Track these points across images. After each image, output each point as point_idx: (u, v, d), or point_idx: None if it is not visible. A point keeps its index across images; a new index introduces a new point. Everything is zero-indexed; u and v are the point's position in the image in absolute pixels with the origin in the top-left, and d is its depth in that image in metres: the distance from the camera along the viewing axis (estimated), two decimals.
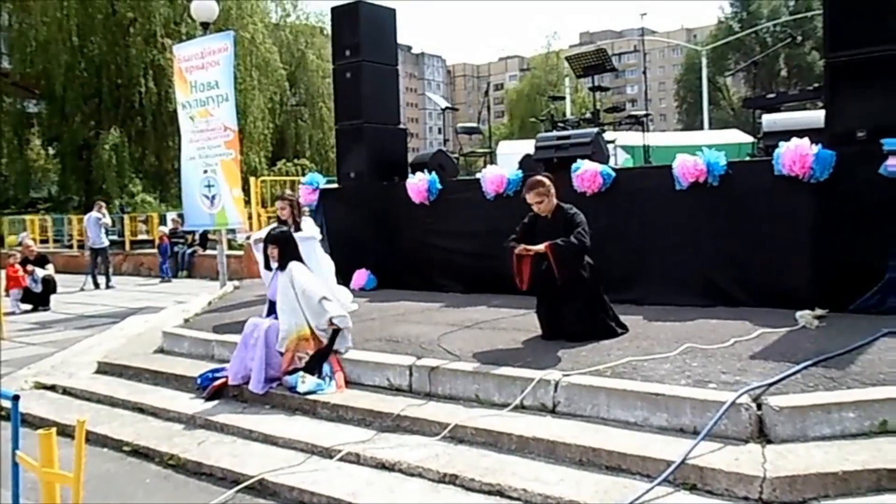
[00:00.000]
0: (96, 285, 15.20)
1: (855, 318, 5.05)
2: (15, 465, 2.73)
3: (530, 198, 5.07)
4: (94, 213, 15.48)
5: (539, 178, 5.14)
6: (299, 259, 5.44)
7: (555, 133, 8.19)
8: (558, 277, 4.82)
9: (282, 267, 5.37)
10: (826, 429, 3.53)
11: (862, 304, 5.24)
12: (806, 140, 5.44)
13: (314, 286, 5.29)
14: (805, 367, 3.94)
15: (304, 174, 10.06)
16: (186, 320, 7.32)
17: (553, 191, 5.08)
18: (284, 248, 5.42)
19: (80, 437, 2.50)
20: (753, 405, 3.62)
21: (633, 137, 12.41)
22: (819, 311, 5.05)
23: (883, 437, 3.47)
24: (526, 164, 8.19)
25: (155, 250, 17.63)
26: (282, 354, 5.18)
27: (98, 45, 26.43)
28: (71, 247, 21.11)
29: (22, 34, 26.58)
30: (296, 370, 5.09)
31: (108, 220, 16.01)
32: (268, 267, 5.57)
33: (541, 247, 4.84)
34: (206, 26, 12.00)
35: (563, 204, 5.12)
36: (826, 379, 3.82)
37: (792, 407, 3.56)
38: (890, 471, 3.18)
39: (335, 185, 9.17)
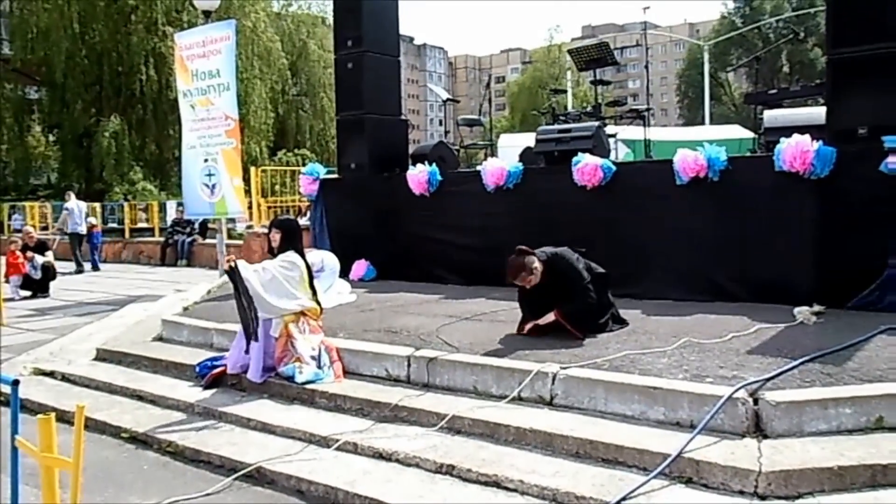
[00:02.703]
0: (80, 269, 15.76)
1: (853, 314, 5.05)
2: (14, 450, 2.74)
3: (518, 282, 4.93)
4: (78, 203, 16.53)
5: (517, 262, 4.84)
6: (299, 250, 5.43)
7: (556, 126, 8.17)
8: (576, 334, 4.84)
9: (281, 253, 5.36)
10: (822, 424, 3.55)
11: (860, 301, 5.24)
12: (807, 136, 5.43)
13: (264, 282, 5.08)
14: (802, 363, 3.96)
15: (304, 164, 10.05)
16: (186, 308, 7.34)
17: (535, 263, 4.84)
18: (287, 236, 5.42)
19: (79, 423, 2.51)
20: (750, 400, 3.64)
21: (635, 132, 12.36)
22: (817, 308, 5.05)
23: (879, 433, 3.49)
24: (526, 156, 8.19)
25: (155, 238, 17.62)
26: (276, 340, 5.18)
27: (99, 32, 26.45)
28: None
29: (23, 21, 26.57)
30: (290, 359, 5.09)
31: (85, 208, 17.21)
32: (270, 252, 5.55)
33: (550, 316, 4.90)
34: (207, 14, 11.99)
35: (547, 257, 4.93)
36: (823, 375, 3.83)
37: (788, 402, 3.58)
38: (885, 466, 3.20)
39: (335, 176, 9.16)
